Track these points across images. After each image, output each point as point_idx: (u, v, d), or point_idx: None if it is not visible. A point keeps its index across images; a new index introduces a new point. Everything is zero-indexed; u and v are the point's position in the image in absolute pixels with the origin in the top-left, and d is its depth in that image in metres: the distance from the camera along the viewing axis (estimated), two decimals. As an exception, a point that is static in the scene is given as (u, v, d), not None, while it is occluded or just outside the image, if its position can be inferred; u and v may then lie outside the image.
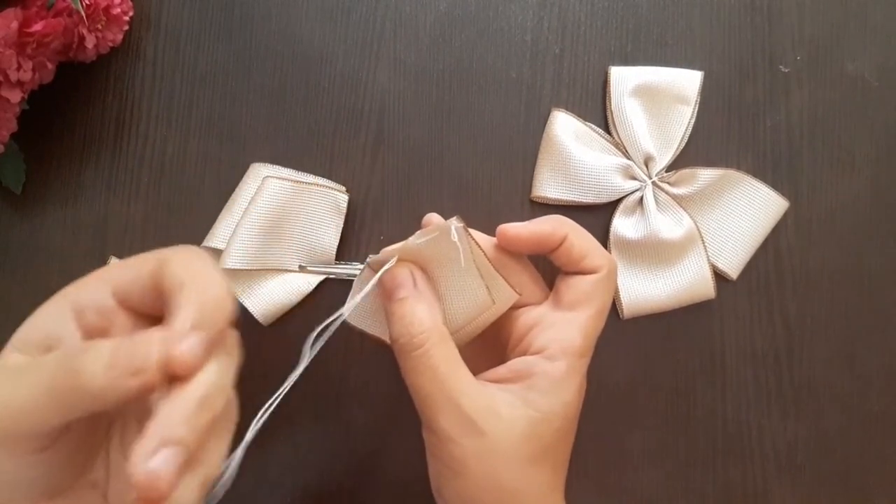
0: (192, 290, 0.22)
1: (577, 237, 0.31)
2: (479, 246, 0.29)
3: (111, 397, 0.20)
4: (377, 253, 0.30)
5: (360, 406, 0.38)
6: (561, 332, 0.30)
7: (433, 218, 0.34)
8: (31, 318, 0.25)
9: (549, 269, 0.33)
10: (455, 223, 0.28)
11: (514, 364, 0.29)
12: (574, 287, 0.31)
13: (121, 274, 0.24)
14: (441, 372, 0.28)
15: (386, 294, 0.30)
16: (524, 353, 0.30)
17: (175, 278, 0.23)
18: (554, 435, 0.28)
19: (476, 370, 0.30)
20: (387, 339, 0.30)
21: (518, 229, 0.31)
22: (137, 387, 0.20)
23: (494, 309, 0.30)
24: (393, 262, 0.29)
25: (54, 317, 0.24)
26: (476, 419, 0.27)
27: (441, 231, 0.28)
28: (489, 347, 0.32)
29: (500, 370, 0.30)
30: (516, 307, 0.31)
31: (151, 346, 0.21)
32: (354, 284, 0.30)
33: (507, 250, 0.32)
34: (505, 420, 0.27)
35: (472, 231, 0.30)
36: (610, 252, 0.38)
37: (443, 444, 0.28)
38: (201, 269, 0.23)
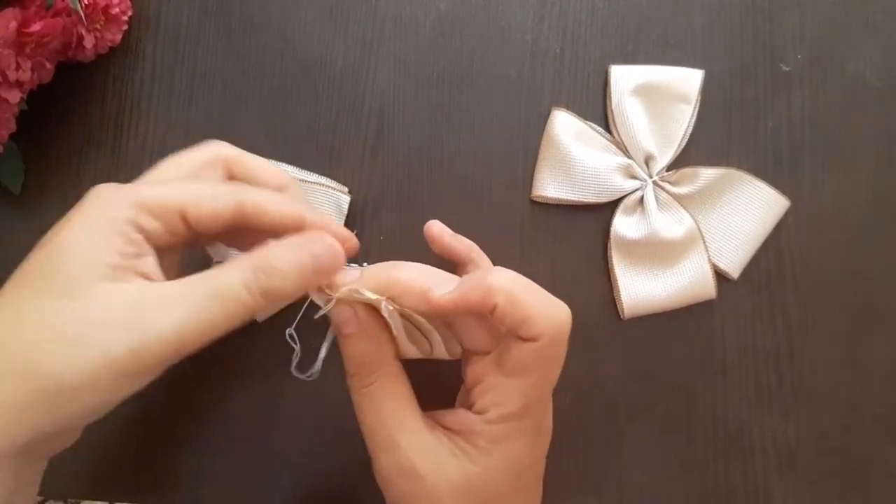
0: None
1: (512, 304, 0.26)
2: (412, 313, 0.28)
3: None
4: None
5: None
6: (500, 396, 0.28)
7: (433, 227, 0.35)
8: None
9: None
10: (385, 305, 0.27)
11: (460, 416, 0.29)
12: (514, 354, 0.27)
13: (198, 204, 0.27)
14: (383, 411, 0.28)
15: (337, 329, 0.29)
16: (472, 405, 0.29)
17: (267, 215, 0.28)
18: (496, 489, 0.28)
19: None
20: (413, 355, 0.30)
21: (441, 301, 0.27)
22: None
23: (437, 355, 0.30)
24: (332, 304, 0.28)
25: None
26: (415, 462, 0.27)
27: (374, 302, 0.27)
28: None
29: (449, 417, 0.29)
30: (467, 353, 0.30)
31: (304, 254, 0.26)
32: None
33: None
34: (443, 467, 0.27)
35: (422, 268, 0.28)
36: (611, 251, 0.38)
37: (384, 482, 0.28)
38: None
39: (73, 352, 0.22)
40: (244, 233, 0.28)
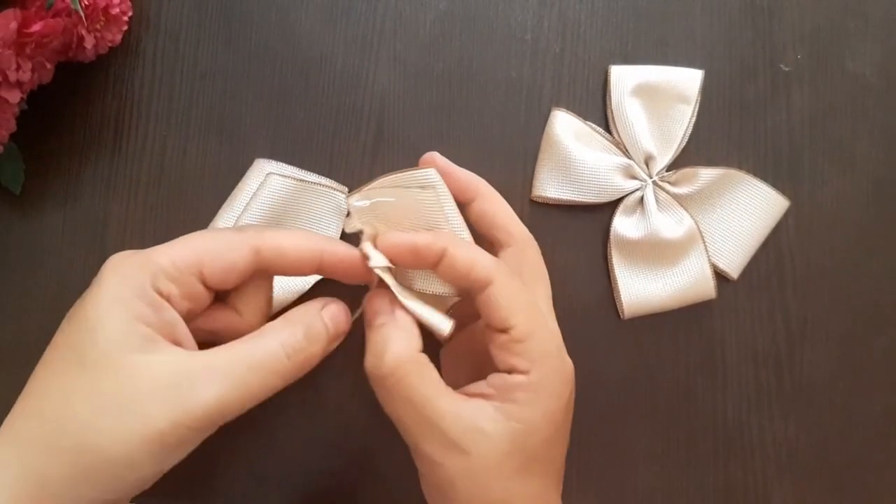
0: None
1: (458, 248, 0.28)
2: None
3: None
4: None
5: (360, 405, 0.38)
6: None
7: (435, 157, 0.34)
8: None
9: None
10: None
11: (493, 379, 0.29)
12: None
13: (213, 259, 0.27)
14: (417, 400, 0.28)
15: (366, 321, 0.30)
16: (499, 367, 0.29)
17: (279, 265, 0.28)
18: (540, 444, 0.28)
19: (462, 380, 0.30)
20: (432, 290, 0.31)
21: (389, 242, 0.29)
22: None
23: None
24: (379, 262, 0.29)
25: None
26: (458, 440, 0.27)
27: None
28: (476, 358, 0.32)
29: (481, 385, 0.29)
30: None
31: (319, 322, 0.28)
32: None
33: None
34: (488, 436, 0.27)
35: None
36: (611, 252, 0.38)
37: (429, 467, 0.28)
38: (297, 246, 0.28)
39: (118, 427, 0.23)
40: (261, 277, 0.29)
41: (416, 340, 0.29)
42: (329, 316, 0.28)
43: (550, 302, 0.33)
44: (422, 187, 0.30)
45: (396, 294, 0.29)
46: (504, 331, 0.28)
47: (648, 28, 0.40)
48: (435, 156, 0.33)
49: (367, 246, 0.29)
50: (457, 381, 0.30)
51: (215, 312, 0.29)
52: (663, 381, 0.39)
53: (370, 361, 0.29)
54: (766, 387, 0.39)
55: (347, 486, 0.38)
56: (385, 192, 0.30)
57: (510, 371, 0.28)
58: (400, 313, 0.29)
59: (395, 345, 0.28)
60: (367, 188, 0.30)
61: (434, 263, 0.29)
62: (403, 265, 0.30)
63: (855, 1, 0.41)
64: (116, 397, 0.23)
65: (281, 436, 0.38)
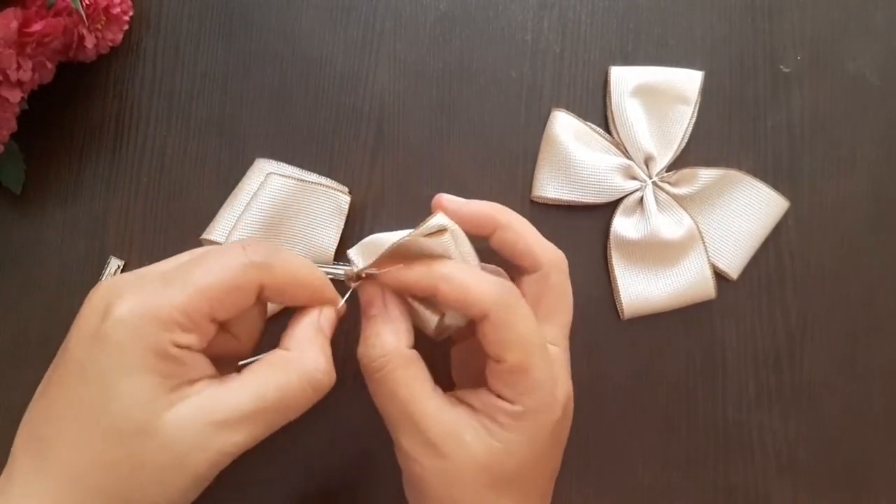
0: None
1: (449, 282, 0.29)
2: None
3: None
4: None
5: (360, 404, 0.38)
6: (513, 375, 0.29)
7: (442, 201, 0.32)
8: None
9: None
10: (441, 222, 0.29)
11: (481, 395, 0.29)
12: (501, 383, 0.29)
13: (225, 306, 0.26)
14: (401, 395, 0.28)
15: (361, 310, 0.30)
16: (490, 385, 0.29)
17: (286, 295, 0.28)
18: (519, 468, 0.28)
19: (468, 380, 0.30)
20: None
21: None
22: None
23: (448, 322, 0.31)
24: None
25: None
26: (437, 443, 0.27)
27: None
28: (484, 361, 0.32)
29: (471, 396, 0.29)
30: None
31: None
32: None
33: None
34: (467, 446, 0.27)
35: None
36: (610, 252, 0.38)
37: (407, 462, 0.29)
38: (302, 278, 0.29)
39: (163, 483, 0.24)
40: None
41: (405, 335, 0.29)
42: (328, 326, 0.29)
43: (567, 329, 0.32)
44: (434, 234, 0.30)
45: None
46: (497, 361, 0.28)
47: (648, 28, 0.40)
48: (443, 198, 0.31)
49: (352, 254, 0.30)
50: (464, 379, 0.30)
51: (214, 341, 0.28)
52: (663, 381, 0.39)
53: (360, 351, 0.29)
54: (766, 387, 0.39)
55: (347, 486, 0.38)
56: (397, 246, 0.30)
57: (499, 396, 0.28)
58: (391, 306, 0.30)
59: (384, 338, 0.29)
60: (377, 259, 0.30)
61: (429, 296, 0.29)
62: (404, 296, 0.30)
63: (855, 1, 0.41)
64: (159, 460, 0.24)
65: (281, 436, 0.38)
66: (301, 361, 0.27)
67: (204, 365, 0.27)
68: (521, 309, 0.29)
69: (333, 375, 0.28)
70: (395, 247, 0.29)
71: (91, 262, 0.39)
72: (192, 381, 0.26)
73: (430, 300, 0.30)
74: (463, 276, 0.28)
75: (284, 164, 0.39)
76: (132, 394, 0.24)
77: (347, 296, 0.31)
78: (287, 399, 0.26)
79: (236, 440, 0.25)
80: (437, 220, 0.29)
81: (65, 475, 0.24)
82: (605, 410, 0.39)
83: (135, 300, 0.25)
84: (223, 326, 0.29)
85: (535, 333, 0.29)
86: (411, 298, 0.30)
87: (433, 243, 0.29)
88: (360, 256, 0.31)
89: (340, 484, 0.38)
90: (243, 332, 0.30)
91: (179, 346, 0.25)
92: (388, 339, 0.29)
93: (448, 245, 0.29)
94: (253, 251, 0.27)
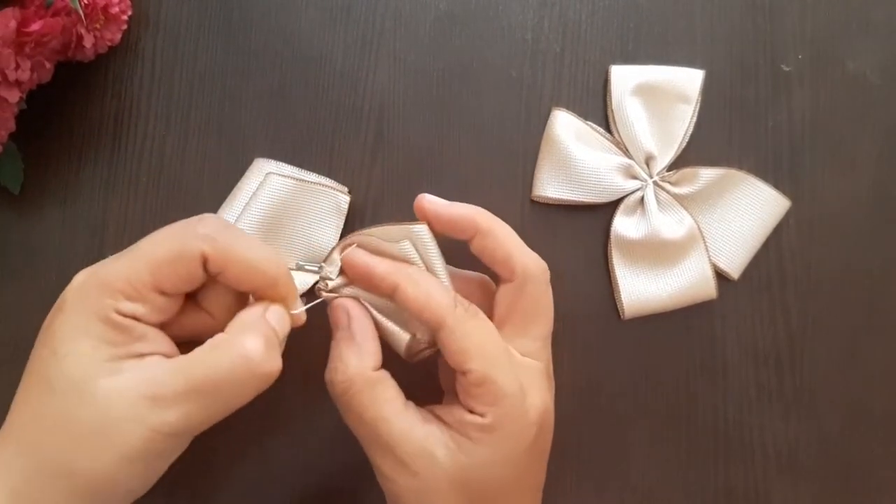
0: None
1: (412, 287, 0.29)
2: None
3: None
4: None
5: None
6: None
7: (423, 202, 0.32)
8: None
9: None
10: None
11: (452, 410, 0.29)
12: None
13: (167, 274, 0.26)
14: (368, 417, 0.28)
15: (333, 328, 0.30)
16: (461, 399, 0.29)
17: (233, 273, 0.27)
18: (494, 484, 0.28)
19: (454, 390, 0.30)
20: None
21: (352, 257, 0.30)
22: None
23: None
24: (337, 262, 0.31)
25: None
26: (407, 461, 0.27)
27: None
28: None
29: (444, 411, 0.29)
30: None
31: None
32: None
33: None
34: (438, 462, 0.27)
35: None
36: (611, 252, 0.38)
37: (383, 481, 0.29)
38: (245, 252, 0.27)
39: (95, 451, 0.24)
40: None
41: (369, 357, 0.29)
42: (275, 320, 0.28)
43: (548, 339, 0.32)
44: (409, 239, 0.30)
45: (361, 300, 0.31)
46: (462, 373, 0.28)
47: (649, 28, 0.40)
48: (424, 199, 0.31)
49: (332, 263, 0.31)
50: (451, 388, 0.30)
51: (185, 317, 0.29)
52: (663, 381, 0.39)
53: (325, 375, 0.29)
54: (766, 387, 0.39)
55: (347, 486, 0.38)
56: (373, 234, 0.31)
57: (469, 410, 0.28)
58: (356, 326, 0.30)
59: (346, 361, 0.29)
60: (355, 234, 0.31)
61: (387, 294, 0.29)
62: (358, 284, 0.31)
63: (856, 1, 0.41)
64: (89, 423, 0.24)
65: (281, 436, 0.38)
66: (233, 343, 0.26)
67: (160, 342, 0.27)
68: (479, 320, 0.29)
69: (276, 363, 0.27)
70: (357, 239, 0.30)
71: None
72: (142, 356, 0.26)
73: (399, 315, 0.30)
74: (427, 282, 0.29)
75: (284, 164, 0.39)
76: (72, 353, 0.25)
77: (312, 305, 0.31)
78: (217, 380, 0.25)
79: (168, 419, 0.25)
80: (421, 230, 0.30)
81: (6, 430, 0.25)
82: (605, 410, 0.39)
83: (90, 270, 0.27)
84: (195, 302, 0.29)
85: (494, 343, 0.29)
86: (382, 317, 0.30)
87: (392, 247, 0.30)
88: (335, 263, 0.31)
89: (340, 484, 0.38)
90: (215, 308, 0.29)
91: (123, 314, 0.25)
92: (351, 361, 0.29)
93: (408, 251, 0.30)
94: (203, 225, 0.27)
